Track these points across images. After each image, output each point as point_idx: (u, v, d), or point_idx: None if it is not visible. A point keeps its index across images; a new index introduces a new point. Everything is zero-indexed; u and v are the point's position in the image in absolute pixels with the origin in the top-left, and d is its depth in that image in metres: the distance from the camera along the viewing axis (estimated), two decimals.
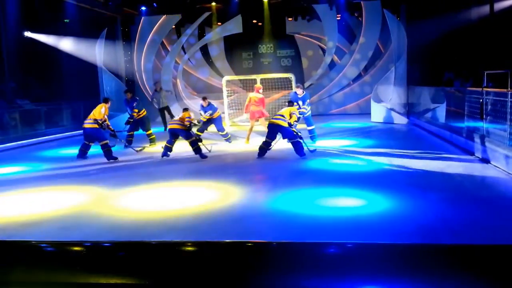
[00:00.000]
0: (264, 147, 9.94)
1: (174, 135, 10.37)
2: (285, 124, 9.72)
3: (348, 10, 19.46)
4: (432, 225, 5.29)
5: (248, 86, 18.53)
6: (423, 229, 5.18)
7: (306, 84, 19.39)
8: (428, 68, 17.05)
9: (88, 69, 17.78)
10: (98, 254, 1.60)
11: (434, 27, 16.05)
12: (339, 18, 19.40)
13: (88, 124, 10.47)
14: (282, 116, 9.88)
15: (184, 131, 10.23)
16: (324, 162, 9.32)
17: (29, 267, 1.48)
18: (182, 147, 11.16)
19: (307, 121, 12.04)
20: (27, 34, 17.48)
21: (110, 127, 10.79)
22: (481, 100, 9.69)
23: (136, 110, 12.66)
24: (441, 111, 12.87)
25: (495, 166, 8.11)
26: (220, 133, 12.64)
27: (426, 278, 1.26)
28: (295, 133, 9.76)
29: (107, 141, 10.45)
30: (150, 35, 19.97)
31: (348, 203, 6.33)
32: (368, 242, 1.64)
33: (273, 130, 9.88)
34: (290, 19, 20.15)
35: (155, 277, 1.39)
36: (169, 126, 10.61)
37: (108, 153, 10.36)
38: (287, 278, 1.34)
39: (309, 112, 12.03)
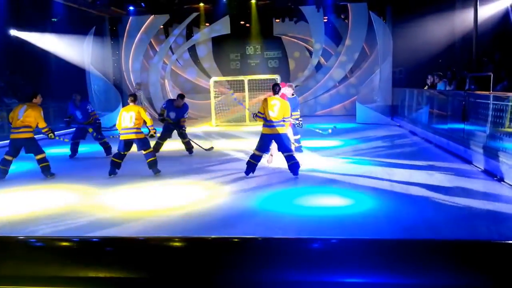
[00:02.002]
0: (254, 162, 8.16)
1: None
2: (284, 131, 8.07)
3: (335, 12, 19.61)
4: (413, 223, 5.44)
5: (236, 87, 18.63)
6: (405, 226, 5.34)
7: (293, 85, 19.49)
8: (413, 70, 17.27)
9: (76, 68, 17.69)
10: (87, 249, 1.61)
11: (419, 30, 16.28)
12: (326, 20, 19.53)
13: (133, 134, 8.49)
14: (282, 120, 7.99)
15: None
16: (309, 162, 9.40)
17: (17, 262, 1.50)
18: (171, 145, 11.21)
19: (292, 130, 9.90)
20: (13, 33, 17.31)
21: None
22: (463, 103, 9.87)
23: (93, 113, 11.23)
24: (424, 113, 13.06)
25: (476, 166, 8.30)
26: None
27: (407, 271, 1.34)
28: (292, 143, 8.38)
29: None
30: (138, 34, 19.92)
31: (332, 202, 6.45)
32: (352, 237, 1.70)
33: (269, 140, 8.16)
34: (277, 20, 20.24)
35: (144, 271, 1.42)
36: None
37: (153, 164, 8.63)
38: (273, 273, 1.36)
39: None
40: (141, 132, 8.62)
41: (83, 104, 11.14)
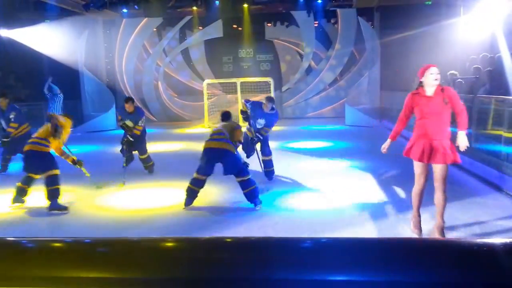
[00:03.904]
0: (195, 188, 6.50)
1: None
2: (232, 149, 6.41)
3: (325, 17, 19.99)
4: (399, 222, 5.74)
5: (229, 89, 18.95)
6: (391, 226, 5.67)
7: (284, 88, 19.92)
8: (400, 73, 17.64)
9: (69, 70, 17.80)
10: (79, 250, 1.61)
11: (406, 35, 16.66)
12: (316, 25, 19.90)
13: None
14: (223, 134, 6.50)
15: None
16: (300, 163, 9.67)
17: (9, 262, 1.51)
18: (165, 147, 11.39)
19: (263, 148, 8.15)
20: (5, 33, 17.36)
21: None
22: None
23: (15, 125, 9.27)
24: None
25: (461, 168, 8.58)
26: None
27: (391, 269, 1.41)
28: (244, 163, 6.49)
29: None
30: (132, 37, 20.10)
31: (322, 203, 6.68)
32: (341, 238, 1.95)
33: (213, 158, 6.44)
34: (269, 24, 20.50)
35: (137, 272, 1.45)
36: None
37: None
38: (265, 272, 1.40)
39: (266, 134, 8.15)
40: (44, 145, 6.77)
41: (7, 111, 9.35)
